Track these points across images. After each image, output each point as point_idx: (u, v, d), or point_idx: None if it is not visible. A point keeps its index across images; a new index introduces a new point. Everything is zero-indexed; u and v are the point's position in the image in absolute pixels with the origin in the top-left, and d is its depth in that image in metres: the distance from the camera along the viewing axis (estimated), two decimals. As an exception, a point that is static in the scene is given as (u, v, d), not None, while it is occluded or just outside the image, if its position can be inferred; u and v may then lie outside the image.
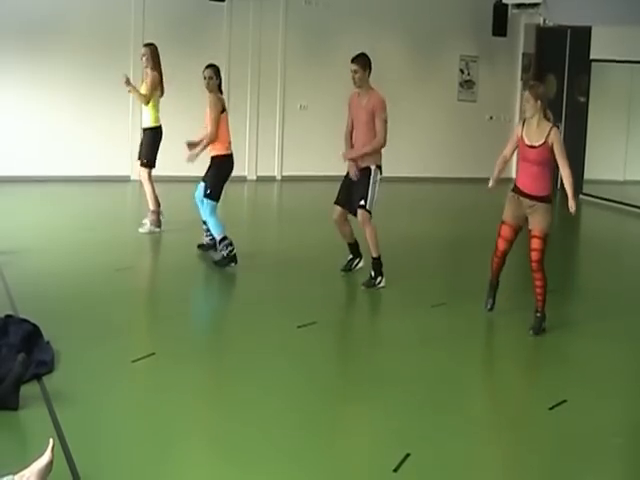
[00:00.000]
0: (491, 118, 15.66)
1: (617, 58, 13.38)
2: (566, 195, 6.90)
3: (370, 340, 7.06)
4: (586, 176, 14.21)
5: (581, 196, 14.12)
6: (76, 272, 8.22)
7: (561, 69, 14.86)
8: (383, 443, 5.04)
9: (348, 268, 8.64)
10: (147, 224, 9.91)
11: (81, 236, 9.68)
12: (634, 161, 13.83)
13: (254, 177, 13.95)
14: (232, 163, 8.89)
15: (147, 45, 10.10)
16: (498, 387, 6.28)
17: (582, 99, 14.33)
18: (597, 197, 13.98)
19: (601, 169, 14.34)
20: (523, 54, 15.71)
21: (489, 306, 7.44)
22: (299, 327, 6.92)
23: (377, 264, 8.25)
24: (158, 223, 9.93)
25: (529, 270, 7.04)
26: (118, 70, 12.97)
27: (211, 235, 8.96)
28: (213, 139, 8.67)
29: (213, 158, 8.80)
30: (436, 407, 5.57)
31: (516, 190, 7.01)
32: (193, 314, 7.50)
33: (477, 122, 15.55)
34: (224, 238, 8.65)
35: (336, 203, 8.36)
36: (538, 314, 7.09)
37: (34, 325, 6.04)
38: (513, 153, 7.22)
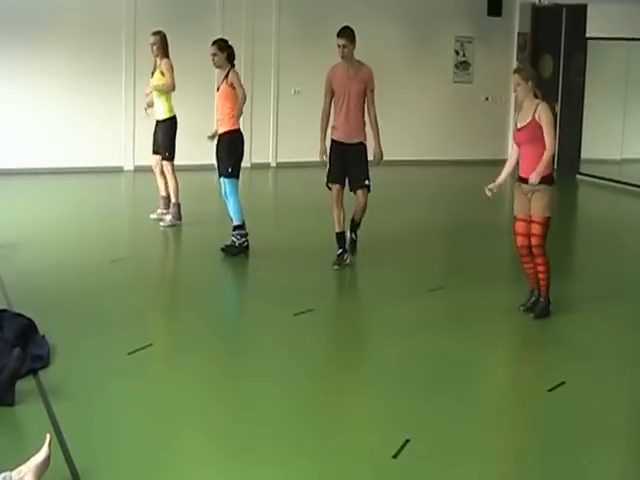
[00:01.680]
0: (487, 99, 15.60)
1: (613, 36, 13.30)
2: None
3: (368, 326, 7.04)
4: (583, 155, 14.17)
5: (578, 176, 14.10)
6: (71, 264, 8.18)
7: (557, 48, 14.77)
8: (382, 429, 5.03)
9: (339, 262, 8.30)
10: (168, 216, 9.76)
11: (75, 228, 9.64)
12: (631, 139, 13.77)
13: (248, 164, 13.79)
14: (242, 137, 8.78)
15: (156, 33, 9.77)
16: (497, 370, 6.25)
17: (578, 78, 14.25)
18: (594, 176, 13.93)
19: (598, 148, 14.29)
20: (518, 34, 15.61)
21: (522, 308, 7.11)
22: (296, 315, 6.88)
23: (358, 227, 8.51)
24: (179, 216, 9.76)
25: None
26: (111, 60, 12.97)
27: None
28: (241, 112, 8.61)
29: (222, 135, 8.66)
30: (435, 392, 5.56)
31: (518, 178, 6.90)
32: (189, 304, 7.43)
33: (473, 103, 15.48)
34: (241, 226, 8.56)
35: (336, 182, 8.27)
36: (542, 299, 6.99)
37: (29, 319, 6.01)
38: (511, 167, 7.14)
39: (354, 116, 8.16)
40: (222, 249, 8.59)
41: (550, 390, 5.57)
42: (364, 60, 8.36)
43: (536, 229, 6.79)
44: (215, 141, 8.81)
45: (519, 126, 6.81)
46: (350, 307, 7.66)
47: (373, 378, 5.82)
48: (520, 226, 6.91)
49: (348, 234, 8.46)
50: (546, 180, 6.72)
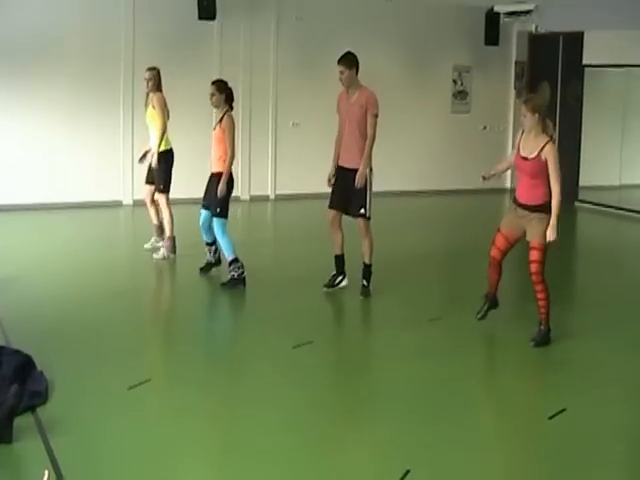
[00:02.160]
0: (484, 128, 15.65)
1: (610, 62, 13.37)
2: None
3: (368, 356, 7.02)
4: (582, 182, 14.19)
5: (577, 203, 14.11)
6: (70, 299, 8.14)
7: (554, 75, 14.83)
8: (383, 458, 5.01)
9: (331, 284, 8.48)
10: (162, 250, 9.78)
11: (75, 262, 9.61)
12: (629, 165, 13.80)
13: (247, 197, 13.85)
14: (233, 180, 8.82)
15: (152, 69, 9.81)
16: (498, 398, 6.23)
17: (576, 105, 14.30)
18: (593, 203, 13.95)
19: (597, 174, 14.32)
20: (516, 62, 15.70)
21: (479, 315, 7.35)
22: (295, 347, 6.85)
23: (370, 272, 8.31)
24: (173, 249, 9.77)
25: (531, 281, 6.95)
26: (109, 92, 12.97)
27: (216, 252, 8.94)
28: (232, 160, 8.69)
29: (216, 175, 8.70)
30: (436, 420, 5.54)
31: (514, 200, 6.95)
32: (189, 337, 7.40)
33: (471, 133, 15.52)
34: (235, 260, 8.56)
35: (332, 207, 8.26)
36: (542, 327, 6.98)
37: (27, 356, 5.98)
38: (508, 165, 7.44)
39: (353, 141, 8.09)
40: (222, 284, 8.59)
41: (551, 417, 5.55)
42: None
43: (534, 255, 6.78)
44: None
45: (522, 154, 6.78)
46: (351, 337, 7.64)
47: (373, 407, 5.80)
48: (499, 240, 7.01)
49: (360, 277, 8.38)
50: (543, 208, 6.74)
